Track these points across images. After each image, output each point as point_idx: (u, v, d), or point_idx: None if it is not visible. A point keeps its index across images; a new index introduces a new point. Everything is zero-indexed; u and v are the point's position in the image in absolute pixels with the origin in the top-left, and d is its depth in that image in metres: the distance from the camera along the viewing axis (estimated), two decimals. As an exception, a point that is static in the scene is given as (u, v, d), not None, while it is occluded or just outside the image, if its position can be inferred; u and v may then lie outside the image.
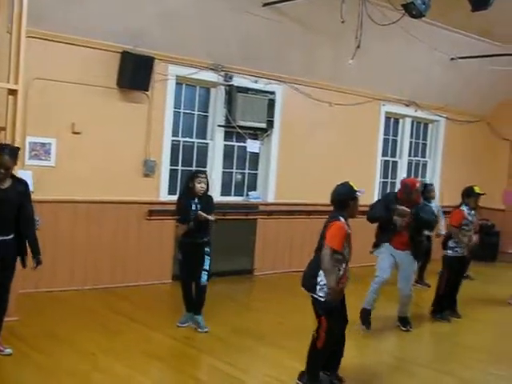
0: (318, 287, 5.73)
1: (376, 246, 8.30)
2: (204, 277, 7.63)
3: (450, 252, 8.87)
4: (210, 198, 7.82)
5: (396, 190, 8.32)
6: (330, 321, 5.75)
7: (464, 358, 7.40)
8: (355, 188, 5.88)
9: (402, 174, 13.94)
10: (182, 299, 7.78)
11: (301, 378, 5.95)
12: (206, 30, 9.70)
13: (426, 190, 11.35)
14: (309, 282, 5.83)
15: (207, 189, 7.66)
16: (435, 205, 11.25)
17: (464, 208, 8.85)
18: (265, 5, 9.72)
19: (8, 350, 6.27)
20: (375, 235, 8.34)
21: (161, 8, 9.03)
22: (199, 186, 7.51)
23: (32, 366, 6.07)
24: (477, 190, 8.88)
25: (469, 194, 8.91)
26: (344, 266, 5.82)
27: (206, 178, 7.66)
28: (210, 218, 7.53)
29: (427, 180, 13.93)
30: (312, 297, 5.83)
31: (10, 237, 6.17)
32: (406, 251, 8.07)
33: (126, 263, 9.53)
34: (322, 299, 5.72)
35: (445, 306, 8.97)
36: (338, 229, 5.70)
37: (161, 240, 9.82)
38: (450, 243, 8.88)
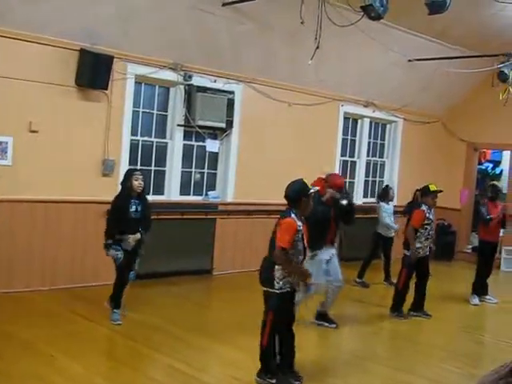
0: (276, 281, 5.85)
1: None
2: (133, 275, 7.81)
3: (408, 253, 8.97)
4: (147, 198, 7.95)
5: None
6: (276, 315, 5.92)
7: (420, 355, 7.52)
8: (309, 185, 6.00)
9: (360, 174, 14.09)
10: (114, 296, 7.76)
11: (259, 374, 6.05)
12: (166, 29, 9.67)
13: (385, 192, 11.51)
14: (266, 278, 5.94)
15: (144, 187, 7.74)
16: (392, 206, 11.41)
17: (424, 207, 8.93)
18: (224, 4, 9.72)
19: None
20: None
21: (120, 6, 8.98)
22: (137, 183, 7.56)
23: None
24: (432, 188, 8.97)
25: (425, 193, 9.01)
26: (300, 258, 5.97)
27: (143, 176, 7.71)
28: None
29: (386, 181, 14.12)
30: (266, 291, 5.95)
31: None
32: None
33: (84, 263, 9.46)
34: (278, 291, 5.84)
35: (402, 302, 9.07)
36: (287, 227, 5.79)
37: (119, 240, 9.75)
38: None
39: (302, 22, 8.26)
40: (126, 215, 7.54)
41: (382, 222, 11.24)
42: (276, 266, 5.84)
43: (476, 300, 10.31)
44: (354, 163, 14.04)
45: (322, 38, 8.48)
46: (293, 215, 5.85)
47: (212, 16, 9.79)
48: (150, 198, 9.73)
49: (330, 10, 8.49)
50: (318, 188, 6.13)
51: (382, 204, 11.39)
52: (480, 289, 10.38)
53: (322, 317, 8.24)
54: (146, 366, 6.62)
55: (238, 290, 10.04)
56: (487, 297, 10.45)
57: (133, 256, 7.70)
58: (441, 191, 9.08)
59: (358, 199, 13.81)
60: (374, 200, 13.55)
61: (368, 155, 14.37)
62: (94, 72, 9.09)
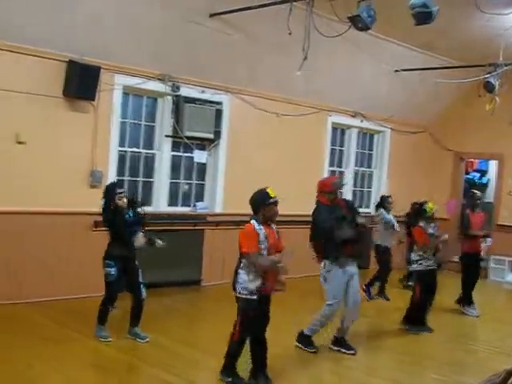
0: (238, 285, 6.14)
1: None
2: (143, 290, 7.59)
3: (415, 266, 8.96)
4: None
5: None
6: (245, 317, 6.14)
7: (406, 365, 7.53)
8: (271, 194, 6.18)
9: (348, 184, 14.08)
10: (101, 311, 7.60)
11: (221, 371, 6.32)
12: (154, 39, 9.68)
13: (386, 201, 11.46)
14: (233, 282, 6.24)
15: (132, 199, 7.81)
16: (392, 216, 11.40)
17: (421, 224, 8.91)
18: (212, 15, 9.74)
19: None
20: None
21: (107, 17, 8.98)
22: (121, 202, 7.46)
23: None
24: (429, 209, 8.94)
25: (420, 215, 8.97)
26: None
27: (124, 191, 7.68)
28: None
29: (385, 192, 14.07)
30: (235, 296, 6.19)
31: None
32: None
33: (70, 275, 9.38)
34: (243, 296, 6.09)
35: (417, 318, 8.99)
36: (245, 233, 6.13)
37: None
38: (413, 256, 8.97)
39: (289, 33, 8.28)
40: (122, 223, 7.47)
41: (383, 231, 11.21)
42: (239, 271, 6.14)
43: (474, 311, 10.32)
44: (342, 173, 14.05)
45: (309, 49, 8.50)
46: (253, 221, 6.15)
47: (200, 27, 9.80)
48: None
49: (318, 20, 8.50)
50: (277, 198, 6.20)
51: (383, 212, 11.36)
52: (468, 299, 10.40)
53: (339, 342, 7.76)
54: (135, 378, 6.58)
55: (227, 301, 9.80)
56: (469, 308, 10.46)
57: (131, 272, 7.55)
58: (433, 214, 9.03)
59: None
60: (365, 210, 13.61)
61: (356, 165, 14.40)
62: (81, 83, 9.06)
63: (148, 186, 10.72)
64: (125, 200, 7.47)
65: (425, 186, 14.47)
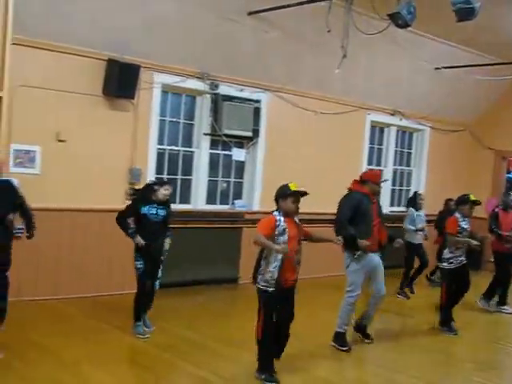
0: (260, 276, 6.26)
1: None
2: (156, 284, 7.77)
3: (445, 264, 8.79)
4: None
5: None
6: (265, 312, 6.21)
7: (447, 366, 7.44)
8: (292, 187, 6.29)
9: (387, 182, 13.96)
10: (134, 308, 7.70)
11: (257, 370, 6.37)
12: (192, 38, 9.70)
13: (418, 198, 11.39)
14: (253, 275, 6.39)
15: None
16: (423, 213, 11.36)
17: (457, 215, 8.76)
18: (250, 13, 9.74)
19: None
20: None
21: (147, 16, 9.03)
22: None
23: (14, 375, 6.00)
24: (472, 197, 8.75)
25: (463, 202, 8.80)
26: (280, 257, 6.13)
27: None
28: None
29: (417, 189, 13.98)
30: (256, 288, 6.32)
31: None
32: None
33: (111, 271, 9.47)
34: (263, 288, 6.20)
35: (449, 317, 8.87)
36: (264, 221, 6.29)
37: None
38: (445, 254, 8.79)
39: (328, 31, 8.25)
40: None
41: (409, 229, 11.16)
42: (261, 262, 6.29)
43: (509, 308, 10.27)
44: (380, 172, 13.94)
45: (348, 47, 8.47)
46: (275, 213, 6.29)
47: (238, 25, 9.81)
48: (177, 206, 9.81)
49: (357, 18, 8.47)
50: (303, 190, 6.29)
51: (412, 210, 11.30)
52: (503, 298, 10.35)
53: (360, 329, 7.98)
54: (172, 375, 6.59)
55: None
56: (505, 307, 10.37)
57: (155, 265, 7.67)
58: (479, 203, 8.86)
59: (385, 208, 13.69)
60: (402, 209, 13.50)
61: (395, 164, 14.28)
62: (121, 81, 9.13)
63: (186, 184, 10.77)
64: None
65: (464, 184, 14.24)
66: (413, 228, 11.02)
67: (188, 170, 10.73)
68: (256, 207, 11.36)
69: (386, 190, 13.82)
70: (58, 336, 7.29)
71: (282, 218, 6.23)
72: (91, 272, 9.32)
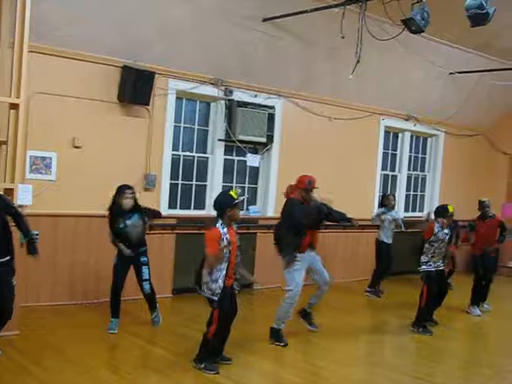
0: (204, 285, 6.44)
1: None
2: (147, 286, 8.02)
3: (424, 267, 8.92)
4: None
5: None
6: (220, 315, 6.47)
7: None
8: (234, 196, 6.42)
9: (401, 188, 13.98)
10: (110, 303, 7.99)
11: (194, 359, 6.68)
12: (207, 44, 9.75)
13: (386, 199, 11.46)
14: (197, 282, 6.53)
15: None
16: (395, 213, 11.60)
17: (436, 224, 8.85)
18: (264, 20, 9.78)
19: None
20: None
21: (161, 23, 9.10)
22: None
23: (32, 379, 6.03)
24: (451, 209, 8.85)
25: (442, 214, 8.89)
26: (226, 264, 6.41)
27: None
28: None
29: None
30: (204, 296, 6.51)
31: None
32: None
33: (127, 276, 9.49)
34: (211, 297, 6.43)
35: (426, 319, 9.01)
36: (210, 236, 6.31)
37: (161, 254, 9.80)
38: (422, 258, 8.94)
39: (342, 37, 8.27)
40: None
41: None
42: (203, 272, 6.40)
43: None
44: (394, 177, 13.95)
45: (362, 52, 8.48)
46: (218, 225, 6.35)
47: (252, 31, 9.85)
48: (191, 212, 9.88)
49: (371, 23, 8.47)
50: (244, 197, 6.51)
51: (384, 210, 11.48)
52: None
53: (305, 315, 8.49)
54: (191, 380, 6.58)
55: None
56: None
57: (135, 264, 7.98)
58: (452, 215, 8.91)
59: (400, 213, 13.67)
60: (418, 214, 13.51)
61: (409, 169, 14.26)
62: (135, 88, 9.20)
63: (201, 190, 10.81)
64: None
65: (479, 189, 14.21)
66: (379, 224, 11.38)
67: (203, 175, 10.78)
68: (270, 213, 11.38)
69: (400, 195, 13.82)
70: (76, 341, 7.32)
71: (225, 229, 6.37)
72: (107, 277, 9.34)
